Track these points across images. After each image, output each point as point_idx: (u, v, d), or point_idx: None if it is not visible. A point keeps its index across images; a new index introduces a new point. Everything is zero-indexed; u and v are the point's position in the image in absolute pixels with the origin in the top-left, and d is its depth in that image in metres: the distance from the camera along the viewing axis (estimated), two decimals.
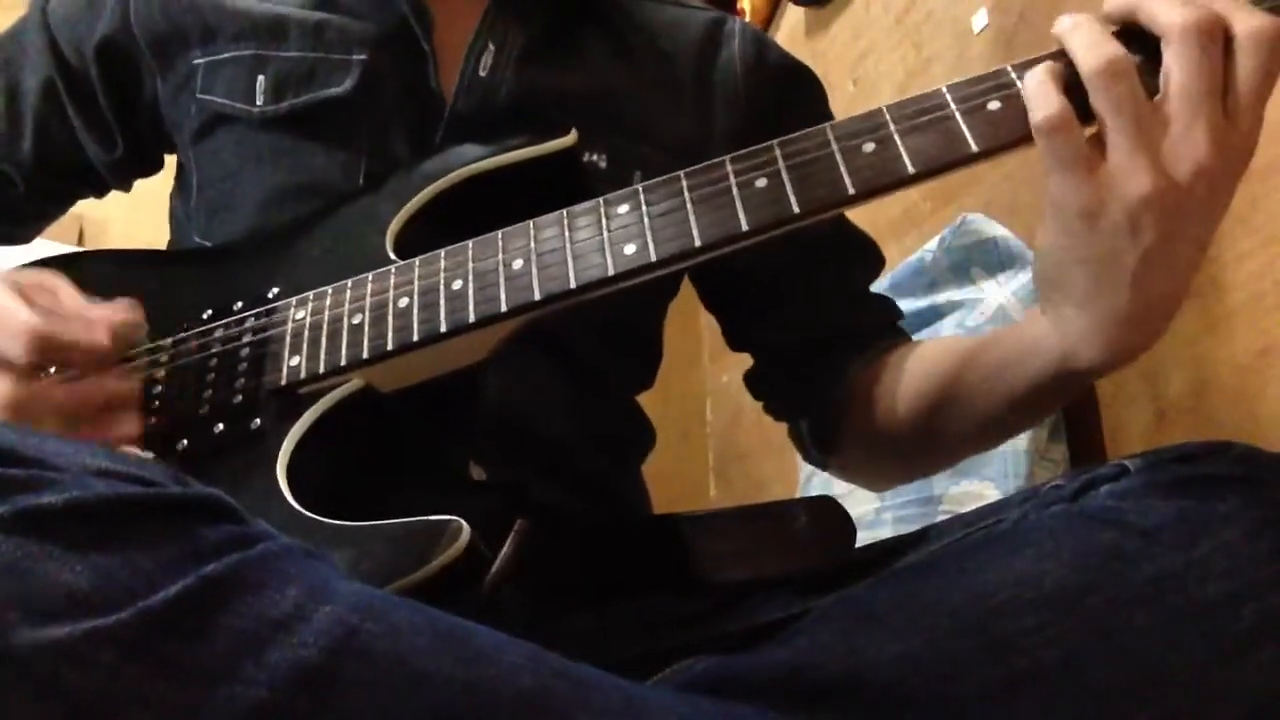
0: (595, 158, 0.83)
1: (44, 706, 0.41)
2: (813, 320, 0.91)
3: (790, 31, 2.08)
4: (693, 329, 2.27)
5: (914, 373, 0.84)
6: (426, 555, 0.57)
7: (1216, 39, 0.56)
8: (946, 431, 0.81)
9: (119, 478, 0.48)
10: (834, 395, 0.89)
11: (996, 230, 1.21)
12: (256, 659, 0.43)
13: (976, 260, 1.23)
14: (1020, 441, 1.12)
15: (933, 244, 1.30)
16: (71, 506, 0.45)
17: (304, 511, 0.62)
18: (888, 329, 0.91)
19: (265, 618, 0.44)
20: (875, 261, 0.96)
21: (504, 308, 0.66)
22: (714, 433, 2.40)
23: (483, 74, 0.84)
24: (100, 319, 0.67)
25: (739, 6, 2.21)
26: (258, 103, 0.84)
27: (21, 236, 1.01)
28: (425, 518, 0.59)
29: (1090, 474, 0.63)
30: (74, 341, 0.65)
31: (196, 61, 0.88)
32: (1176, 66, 0.56)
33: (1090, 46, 0.58)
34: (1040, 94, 0.58)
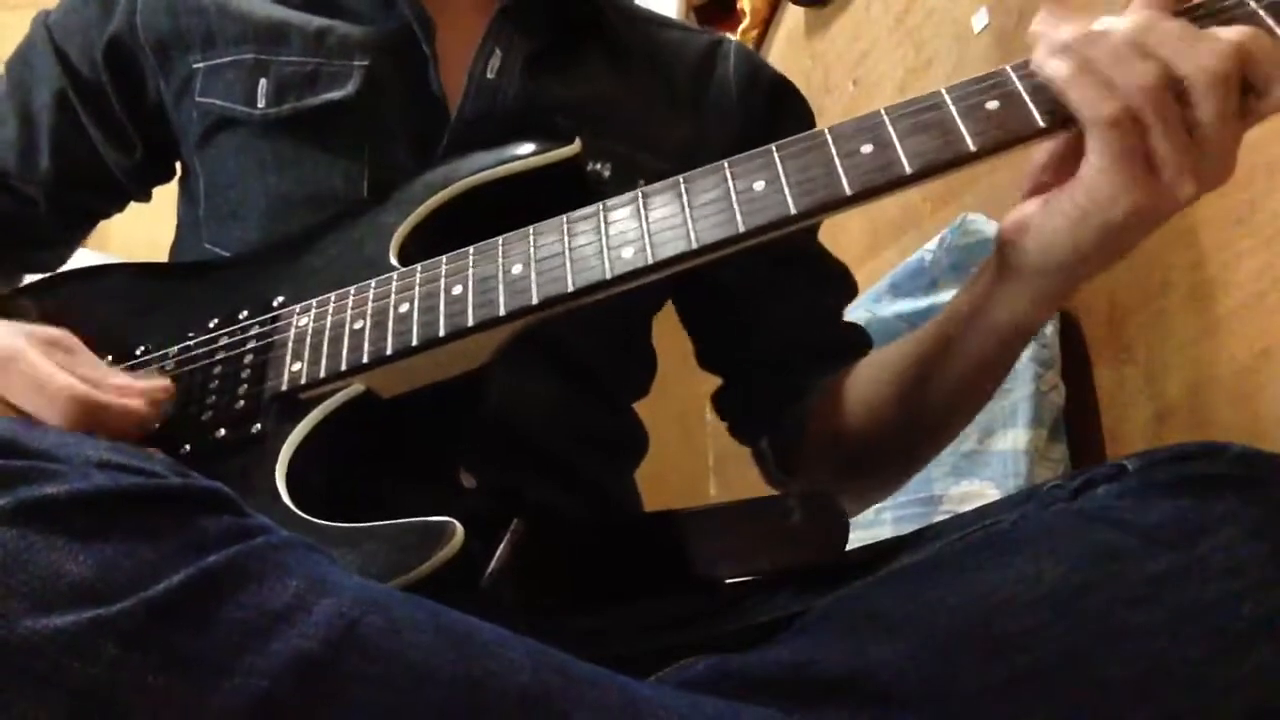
0: (599, 167, 0.84)
1: (46, 696, 0.42)
2: (782, 340, 0.93)
3: (790, 32, 2.08)
4: None
5: (869, 376, 0.86)
6: (421, 555, 0.58)
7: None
8: (907, 426, 0.82)
9: (120, 469, 0.48)
10: (796, 414, 0.90)
11: (996, 230, 1.21)
12: (257, 650, 0.44)
13: (976, 260, 1.23)
14: (1020, 441, 1.12)
15: (933, 244, 1.30)
16: (74, 497, 0.45)
17: (300, 513, 0.63)
18: (855, 353, 0.92)
19: (266, 609, 0.45)
20: (848, 288, 0.98)
21: (502, 311, 0.66)
22: (714, 432, 2.40)
23: (490, 76, 0.84)
24: (133, 387, 0.65)
25: (739, 7, 2.21)
26: (259, 105, 0.84)
27: (50, 261, 1.01)
28: (419, 518, 0.60)
29: (1089, 474, 0.64)
30: (115, 409, 0.63)
31: (196, 65, 0.88)
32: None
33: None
34: (1091, 88, 0.58)
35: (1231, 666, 0.53)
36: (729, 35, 1.01)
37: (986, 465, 1.15)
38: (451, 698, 0.46)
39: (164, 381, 0.67)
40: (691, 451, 2.37)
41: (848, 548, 0.77)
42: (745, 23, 2.18)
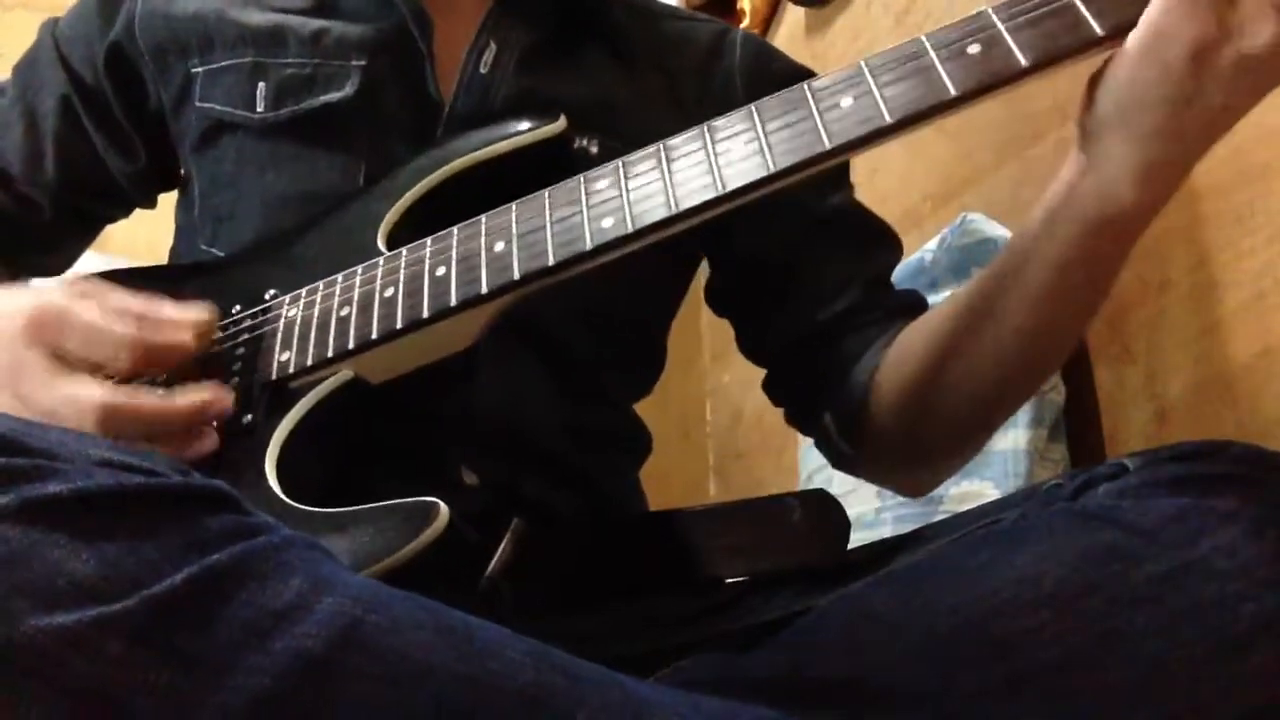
0: (586, 143, 0.83)
1: (50, 694, 0.42)
2: (831, 306, 0.88)
3: (790, 31, 2.08)
4: (692, 329, 2.27)
5: (923, 333, 0.81)
6: (406, 535, 0.58)
7: None
8: (981, 370, 0.75)
9: (122, 468, 0.48)
10: (856, 382, 0.85)
11: (996, 230, 1.21)
12: (259, 648, 0.44)
13: (976, 260, 1.23)
14: (1020, 441, 1.12)
15: (933, 244, 1.30)
16: (77, 496, 0.46)
17: (288, 500, 0.63)
18: (908, 314, 0.87)
19: (268, 608, 0.45)
20: (893, 247, 0.94)
21: (485, 289, 0.66)
22: (714, 433, 2.40)
23: (483, 71, 0.84)
24: (179, 319, 0.66)
25: (739, 7, 2.21)
26: (258, 109, 0.85)
27: (53, 266, 1.01)
28: (404, 500, 0.60)
29: (1089, 473, 0.63)
30: (170, 346, 0.64)
31: (194, 70, 0.88)
32: None
33: None
34: None
35: (1231, 667, 0.53)
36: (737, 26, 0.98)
37: (986, 465, 1.15)
38: (453, 696, 0.46)
39: (205, 313, 0.68)
40: (691, 452, 2.37)
41: (848, 547, 0.77)
42: (745, 22, 2.18)
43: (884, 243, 0.94)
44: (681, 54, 0.94)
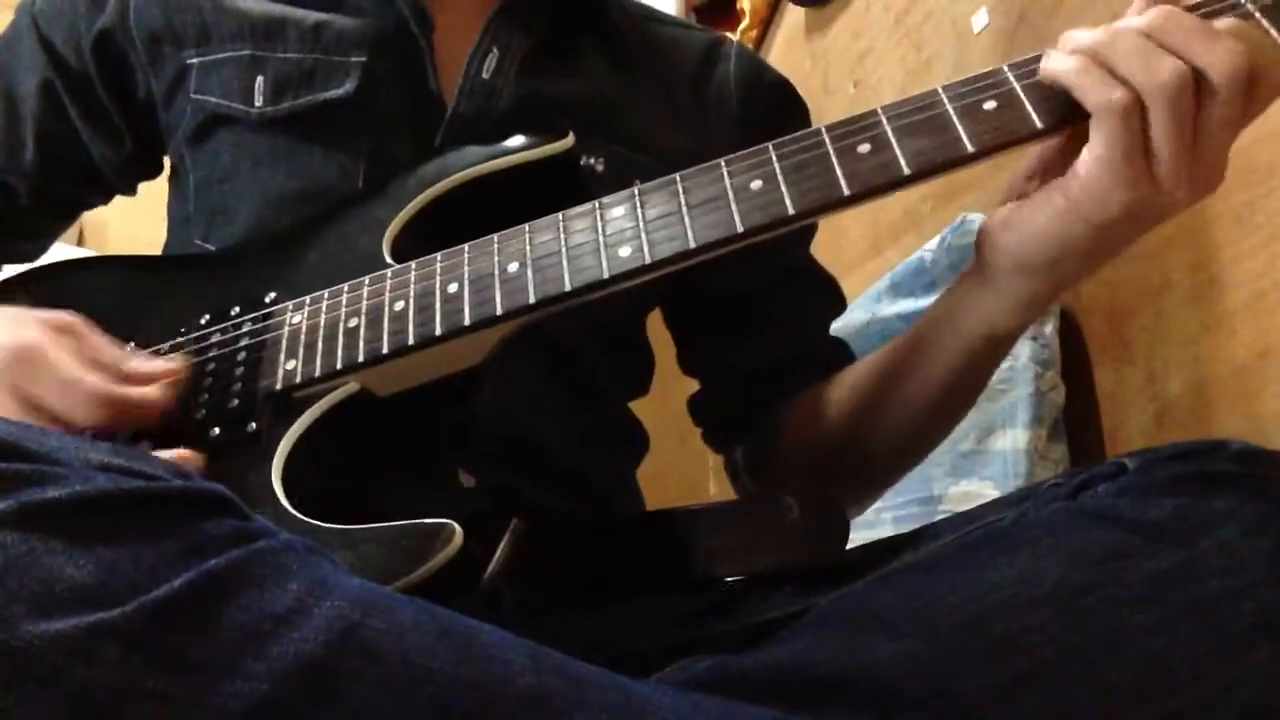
0: (593, 161, 0.83)
1: (48, 700, 0.41)
2: (768, 351, 0.93)
3: (790, 32, 2.08)
4: None
5: (841, 387, 0.86)
6: (420, 558, 0.57)
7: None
8: (877, 438, 0.82)
9: (122, 472, 0.48)
10: (771, 423, 0.90)
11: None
12: (258, 653, 0.43)
13: None
14: (1020, 441, 1.12)
15: (933, 244, 1.30)
16: (76, 501, 0.45)
17: (297, 514, 0.62)
18: (835, 367, 0.91)
19: (267, 612, 0.45)
20: (837, 302, 0.99)
21: (499, 310, 0.66)
22: None
23: (485, 76, 0.84)
24: (151, 374, 0.66)
25: (738, 7, 2.21)
26: (256, 104, 0.84)
27: (29, 252, 1.00)
28: (418, 521, 0.60)
29: (1089, 472, 0.63)
30: (138, 404, 0.64)
31: (190, 61, 0.87)
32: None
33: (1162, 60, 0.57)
34: (1101, 78, 0.58)
35: (1232, 665, 0.53)
36: (729, 35, 1.01)
37: (986, 465, 1.15)
38: (452, 700, 0.45)
39: (176, 364, 0.68)
40: (691, 452, 2.35)
41: (848, 547, 0.77)
42: (745, 23, 2.18)
43: (829, 297, 0.99)
44: (675, 60, 0.95)
